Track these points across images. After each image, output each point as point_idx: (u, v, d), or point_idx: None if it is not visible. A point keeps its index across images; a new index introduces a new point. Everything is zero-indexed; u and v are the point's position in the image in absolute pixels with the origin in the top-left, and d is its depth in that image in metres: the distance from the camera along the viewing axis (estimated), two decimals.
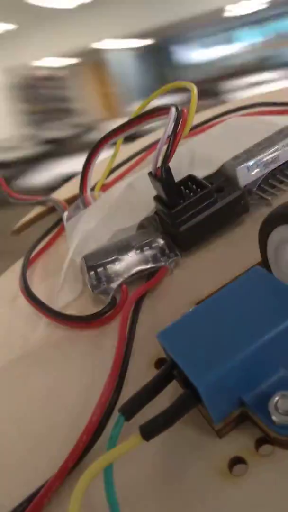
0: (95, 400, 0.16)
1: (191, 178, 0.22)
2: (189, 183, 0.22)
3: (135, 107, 0.27)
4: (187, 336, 0.14)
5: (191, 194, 0.22)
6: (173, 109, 0.21)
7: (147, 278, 0.21)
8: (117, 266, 0.22)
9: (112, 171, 0.33)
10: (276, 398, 0.13)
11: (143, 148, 0.35)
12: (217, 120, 0.35)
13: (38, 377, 0.20)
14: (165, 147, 0.20)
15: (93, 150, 0.26)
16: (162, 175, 0.21)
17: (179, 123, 0.20)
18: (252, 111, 0.34)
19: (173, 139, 0.20)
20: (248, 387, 0.14)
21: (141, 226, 0.24)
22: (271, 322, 0.14)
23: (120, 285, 0.21)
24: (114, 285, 0.21)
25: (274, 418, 0.13)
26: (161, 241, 0.22)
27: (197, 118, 0.35)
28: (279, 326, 0.13)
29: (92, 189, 0.29)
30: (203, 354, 0.13)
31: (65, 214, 0.27)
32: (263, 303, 0.14)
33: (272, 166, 0.23)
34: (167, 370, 0.15)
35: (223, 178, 0.23)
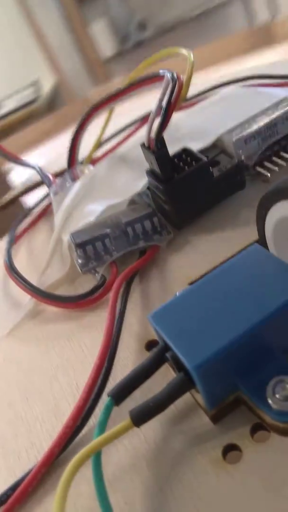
0: (83, 383, 0.15)
1: (185, 151, 0.21)
2: (184, 156, 0.21)
3: None
4: (180, 317, 0.14)
5: (186, 168, 0.20)
6: (168, 76, 0.19)
7: (138, 257, 0.21)
8: (107, 244, 0.21)
9: (102, 144, 0.31)
10: (274, 383, 0.12)
11: (135, 119, 0.33)
12: (212, 92, 0.33)
13: (22, 359, 0.19)
14: (159, 117, 0.19)
15: (83, 120, 0.25)
16: (156, 147, 0.19)
17: (174, 90, 0.19)
18: (250, 83, 0.32)
19: (168, 108, 0.19)
20: (243, 371, 0.13)
21: (133, 202, 0.22)
22: (268, 302, 0.13)
23: (109, 264, 0.20)
24: (103, 263, 0.20)
25: (271, 403, 0.12)
26: (153, 218, 0.21)
27: (192, 90, 0.33)
28: (276, 306, 0.13)
29: (81, 162, 0.28)
30: (197, 335, 0.13)
31: (52, 189, 0.25)
32: (260, 283, 0.14)
33: (271, 140, 0.22)
34: (159, 353, 0.14)
35: (219, 151, 0.22)
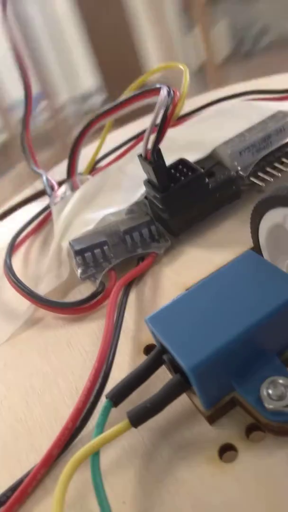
0: (82, 386, 0.15)
1: (182, 162, 0.22)
2: (180, 166, 0.22)
3: None
4: (176, 320, 0.14)
5: (182, 178, 0.21)
6: (165, 89, 0.20)
7: (136, 264, 0.21)
8: (106, 251, 0.21)
9: (102, 158, 0.32)
10: (267, 384, 0.13)
11: (133, 135, 0.34)
12: (209, 107, 0.34)
13: (23, 364, 0.19)
14: (156, 130, 0.20)
15: (82, 132, 0.25)
16: (152, 158, 0.20)
17: (170, 103, 0.20)
18: (245, 98, 0.33)
19: (164, 120, 0.20)
20: (238, 372, 0.13)
21: (131, 211, 0.23)
22: (262, 305, 0.13)
23: (108, 271, 0.21)
24: (102, 270, 0.21)
25: (265, 404, 0.12)
26: (151, 226, 0.22)
27: (189, 105, 0.34)
28: (270, 309, 0.13)
29: (81, 173, 0.29)
30: (193, 337, 0.13)
31: (53, 198, 0.26)
32: (254, 287, 0.14)
33: (265, 151, 0.23)
34: (156, 355, 0.14)
35: (214, 162, 0.23)
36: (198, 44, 1.25)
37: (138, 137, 0.33)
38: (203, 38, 1.21)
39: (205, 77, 1.29)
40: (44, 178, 0.28)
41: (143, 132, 0.34)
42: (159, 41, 1.31)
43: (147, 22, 1.29)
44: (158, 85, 0.22)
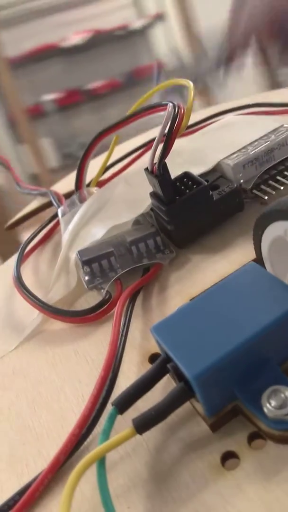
0: (89, 394, 0.16)
1: (187, 175, 0.22)
2: (185, 180, 0.22)
3: None
4: (180, 330, 0.14)
5: (187, 191, 0.22)
6: (171, 105, 0.21)
7: (142, 274, 0.21)
8: (112, 262, 0.22)
9: (108, 167, 0.33)
10: (269, 393, 0.13)
11: (139, 145, 0.35)
12: (213, 120, 0.35)
13: (31, 371, 0.19)
14: (161, 144, 0.20)
15: (90, 145, 0.26)
16: (158, 172, 0.21)
17: (176, 120, 0.20)
18: (248, 111, 0.34)
19: (170, 136, 0.20)
20: (241, 381, 0.14)
21: (137, 222, 0.24)
22: (264, 315, 0.14)
23: (115, 280, 0.21)
24: (108, 280, 0.21)
25: (267, 412, 0.13)
26: (156, 237, 0.22)
27: (193, 118, 0.35)
28: (271, 320, 0.13)
29: (88, 185, 0.29)
30: (197, 347, 0.14)
31: (61, 209, 0.27)
32: (256, 298, 0.15)
33: (268, 165, 0.23)
34: (161, 364, 0.15)
35: (218, 175, 0.23)
36: (29, 155, 1.40)
37: (142, 149, 0.34)
38: (32, 151, 1.38)
39: (40, 183, 1.42)
40: (51, 194, 0.28)
41: (147, 144, 0.34)
42: None
43: None
44: (164, 101, 0.22)
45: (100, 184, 0.31)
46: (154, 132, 0.36)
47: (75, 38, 1.58)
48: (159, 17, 1.63)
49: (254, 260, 0.17)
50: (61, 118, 1.64)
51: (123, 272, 0.21)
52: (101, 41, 1.61)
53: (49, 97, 1.59)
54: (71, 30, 1.58)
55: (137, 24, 1.66)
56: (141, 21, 1.67)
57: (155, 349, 0.18)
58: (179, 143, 0.22)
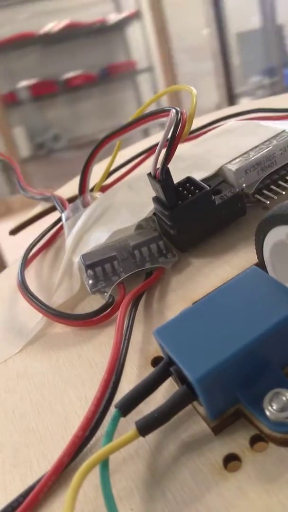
0: (92, 397, 0.16)
1: (189, 180, 0.23)
2: (188, 184, 0.23)
3: None
4: (183, 333, 0.15)
5: (189, 196, 0.22)
6: (173, 111, 0.21)
7: (145, 278, 0.22)
8: (115, 266, 0.22)
9: (111, 173, 0.33)
10: (270, 395, 0.13)
11: (142, 150, 0.35)
12: (216, 125, 0.35)
13: (34, 374, 0.20)
14: (164, 149, 0.21)
15: (93, 151, 0.26)
16: (161, 177, 0.21)
17: (178, 125, 0.21)
18: (250, 117, 0.34)
19: (173, 141, 0.21)
20: (243, 384, 0.14)
21: (140, 226, 0.24)
22: (266, 319, 0.14)
23: (117, 284, 0.22)
24: (111, 284, 0.21)
25: (268, 415, 0.13)
26: (159, 242, 0.22)
27: (196, 123, 0.36)
28: (273, 323, 0.14)
29: (91, 190, 0.30)
30: (199, 350, 0.14)
31: (64, 214, 0.27)
32: (258, 301, 0.15)
33: (269, 170, 0.23)
34: (164, 367, 0.15)
35: (221, 180, 0.24)
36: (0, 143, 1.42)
37: (145, 154, 0.34)
38: (4, 140, 1.40)
39: (11, 175, 1.44)
40: (54, 198, 0.29)
41: (149, 149, 0.35)
42: None
43: None
44: (167, 107, 0.23)
45: (104, 189, 0.31)
46: (157, 138, 0.37)
47: (53, 27, 1.57)
48: (136, 15, 1.64)
49: (256, 265, 0.17)
50: (35, 108, 1.65)
51: (126, 276, 0.22)
52: (78, 33, 1.60)
53: (24, 85, 1.58)
54: (50, 20, 1.57)
55: (114, 19, 1.65)
56: (118, 17, 1.66)
57: (158, 352, 0.18)
58: (181, 149, 0.22)
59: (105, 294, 0.21)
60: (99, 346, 0.19)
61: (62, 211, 0.27)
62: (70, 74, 1.64)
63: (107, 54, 1.70)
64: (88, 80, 1.66)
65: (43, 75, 1.62)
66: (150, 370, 0.17)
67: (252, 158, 0.23)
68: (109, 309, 0.21)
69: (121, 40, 1.74)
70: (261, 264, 0.18)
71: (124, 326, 0.19)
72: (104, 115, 1.69)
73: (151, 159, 0.21)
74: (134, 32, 1.70)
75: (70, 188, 0.33)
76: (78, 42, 1.63)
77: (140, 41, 1.68)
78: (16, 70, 1.59)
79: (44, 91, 1.62)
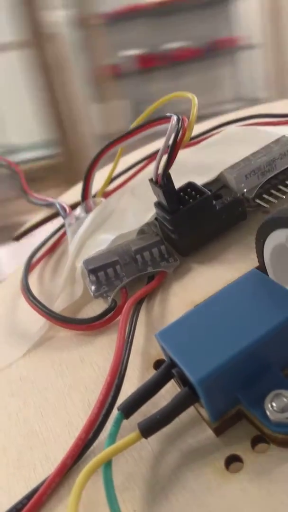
0: (94, 400, 0.16)
1: (190, 185, 0.23)
2: (189, 189, 0.23)
3: None
4: (185, 335, 0.15)
5: (191, 200, 0.22)
6: (174, 118, 0.21)
7: (147, 282, 0.22)
8: (118, 270, 0.22)
9: (113, 178, 0.34)
10: (271, 397, 0.13)
11: (144, 157, 0.36)
12: (216, 131, 0.35)
13: (37, 378, 0.20)
14: (165, 155, 0.21)
15: (96, 157, 0.27)
16: (162, 182, 0.21)
17: (179, 131, 0.21)
18: (250, 122, 0.35)
19: (174, 147, 0.21)
20: (244, 385, 0.14)
21: (141, 231, 0.24)
22: (266, 321, 0.14)
23: (120, 289, 0.22)
24: (114, 288, 0.22)
25: (269, 415, 0.13)
26: (160, 246, 0.23)
27: (196, 129, 0.36)
28: (273, 325, 0.14)
29: (94, 195, 0.30)
30: (201, 352, 0.14)
31: (67, 220, 0.27)
32: (259, 304, 0.15)
33: (269, 174, 0.24)
34: (166, 370, 0.15)
35: (221, 185, 0.24)
36: (103, 115, 1.39)
37: (146, 160, 0.35)
38: (109, 110, 1.37)
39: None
40: (57, 205, 0.29)
41: (151, 155, 0.35)
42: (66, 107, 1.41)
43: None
44: (167, 114, 0.23)
45: (106, 194, 0.31)
46: (158, 144, 0.37)
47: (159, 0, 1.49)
48: None
49: (257, 268, 0.18)
50: (139, 81, 1.58)
51: (128, 280, 0.22)
52: (184, 6, 1.52)
53: (129, 57, 1.53)
54: None
55: None
56: None
57: (160, 355, 0.18)
58: (182, 154, 0.23)
59: (108, 298, 0.21)
60: (101, 350, 0.20)
61: (65, 217, 0.28)
62: (174, 47, 1.53)
63: (212, 29, 1.58)
64: (192, 54, 1.56)
65: (148, 48, 1.54)
66: (152, 373, 0.17)
67: (253, 163, 0.23)
68: (111, 313, 0.21)
69: (227, 14, 1.60)
70: (261, 267, 0.18)
71: (126, 330, 0.19)
72: (204, 91, 1.53)
73: (153, 165, 0.22)
74: (241, 7, 1.58)
75: (73, 194, 0.34)
76: (184, 15, 1.53)
77: (248, 17, 1.55)
78: (122, 43, 1.51)
79: (149, 64, 1.54)
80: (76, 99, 1.42)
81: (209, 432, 0.14)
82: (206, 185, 0.24)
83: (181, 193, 0.23)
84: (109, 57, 1.47)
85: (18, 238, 0.36)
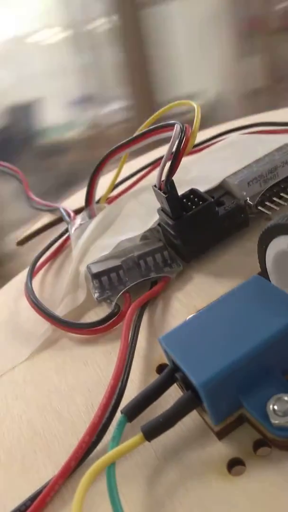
0: (98, 403, 0.16)
1: (193, 191, 0.23)
2: (192, 196, 0.23)
3: None
4: (188, 340, 0.15)
5: (193, 207, 0.22)
6: (178, 126, 0.22)
7: (150, 287, 0.22)
8: (121, 275, 0.22)
9: (117, 185, 0.34)
10: (274, 400, 0.14)
11: (147, 163, 0.36)
12: (218, 139, 0.36)
13: (41, 381, 0.20)
14: (169, 162, 0.21)
15: (99, 164, 0.27)
16: (166, 188, 0.21)
17: (183, 139, 0.21)
18: (253, 130, 0.35)
19: (177, 155, 0.21)
20: (246, 389, 0.14)
21: (145, 237, 0.24)
22: (269, 326, 0.14)
23: (123, 293, 0.22)
24: (117, 293, 0.22)
25: (271, 419, 0.13)
26: (164, 252, 0.23)
27: (200, 136, 0.36)
28: (276, 330, 0.14)
29: (98, 201, 0.30)
30: (204, 356, 0.14)
31: (71, 225, 0.28)
32: (261, 309, 0.15)
33: (272, 182, 0.24)
34: (169, 373, 0.15)
35: (224, 192, 0.24)
36: (255, 68, 1.26)
37: (150, 166, 0.35)
38: (263, 64, 1.24)
39: (258, 101, 1.31)
40: (62, 210, 0.29)
41: (154, 162, 0.36)
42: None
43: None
44: (171, 122, 0.23)
45: (110, 200, 0.32)
46: (162, 151, 0.37)
47: None
48: None
49: (259, 274, 0.18)
50: (282, 39, 1.37)
51: (132, 285, 0.22)
52: None
53: (278, 11, 1.32)
54: None
55: None
56: None
57: (163, 359, 0.18)
58: (186, 161, 0.23)
59: (111, 303, 0.22)
60: (105, 354, 0.20)
61: (69, 222, 0.28)
62: None
63: None
64: None
65: None
66: (155, 376, 0.17)
67: (255, 171, 0.24)
68: (115, 318, 0.21)
69: None
70: (263, 273, 0.18)
71: (130, 334, 0.19)
72: None
73: (156, 171, 0.22)
74: None
75: (76, 200, 0.34)
76: None
77: None
78: None
79: None
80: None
81: (212, 436, 0.14)
82: (209, 192, 0.24)
83: (184, 200, 0.23)
84: (255, 10, 1.28)
85: (21, 243, 0.37)
